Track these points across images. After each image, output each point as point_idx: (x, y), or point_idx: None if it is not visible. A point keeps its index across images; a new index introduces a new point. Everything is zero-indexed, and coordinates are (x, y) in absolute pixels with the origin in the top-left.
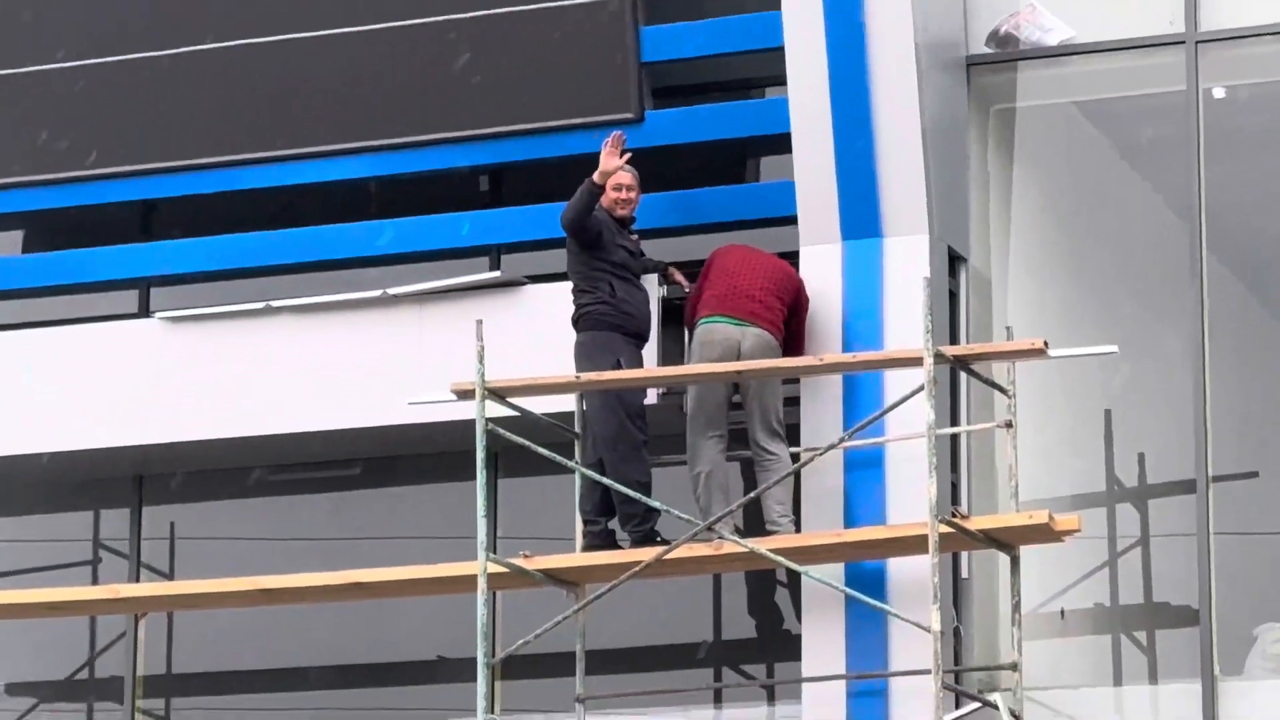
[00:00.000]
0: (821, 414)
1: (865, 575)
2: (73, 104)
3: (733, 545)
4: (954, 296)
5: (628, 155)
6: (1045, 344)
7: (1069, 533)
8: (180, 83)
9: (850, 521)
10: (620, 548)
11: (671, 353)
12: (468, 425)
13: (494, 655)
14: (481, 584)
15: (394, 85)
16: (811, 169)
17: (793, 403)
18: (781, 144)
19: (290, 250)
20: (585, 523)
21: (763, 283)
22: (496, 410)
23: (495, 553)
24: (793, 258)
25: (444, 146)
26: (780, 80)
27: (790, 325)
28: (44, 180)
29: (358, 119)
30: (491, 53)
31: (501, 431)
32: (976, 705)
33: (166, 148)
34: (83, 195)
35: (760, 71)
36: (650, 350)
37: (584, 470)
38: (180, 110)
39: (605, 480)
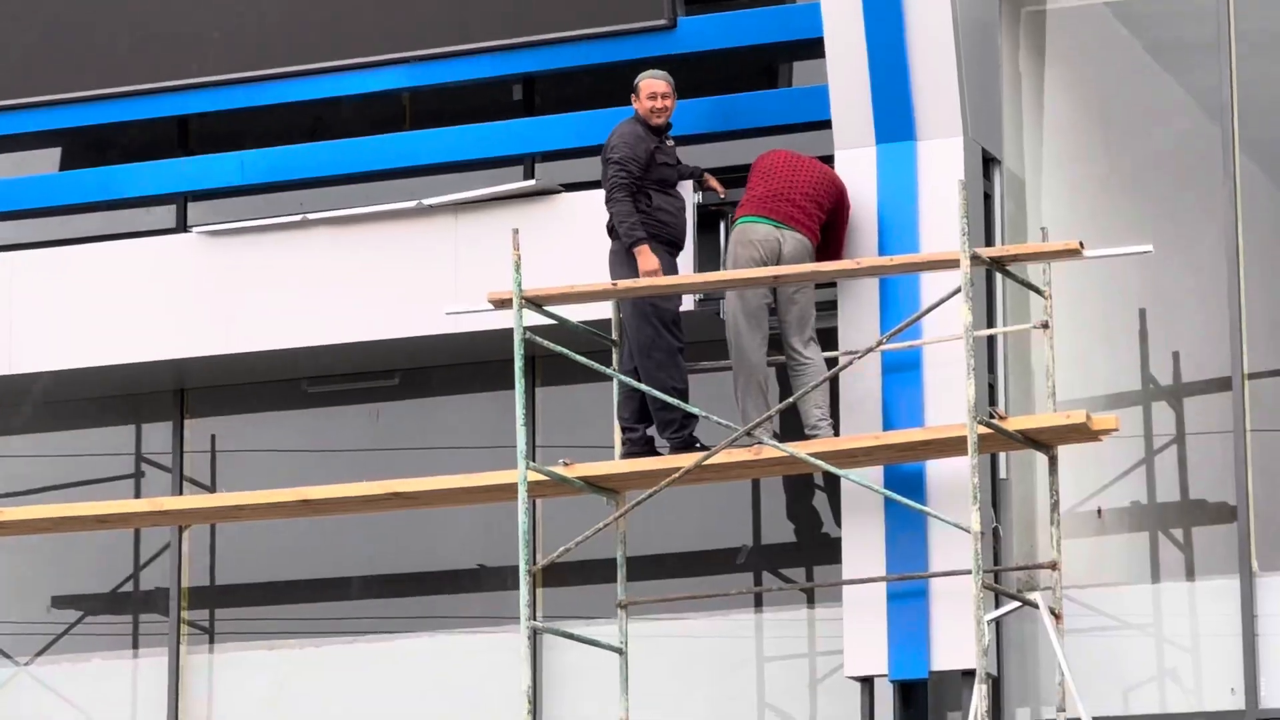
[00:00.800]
0: (859, 317)
1: (904, 477)
2: (107, 20)
3: (772, 450)
4: (988, 198)
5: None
6: (1081, 245)
7: (1106, 432)
8: None
9: (888, 424)
10: (659, 454)
11: (708, 259)
12: (505, 334)
13: (535, 562)
14: (522, 492)
15: None
16: (845, 73)
17: (830, 307)
18: (815, 48)
19: (326, 163)
20: (624, 430)
21: (805, 188)
22: (534, 319)
23: (535, 461)
24: (828, 162)
25: (476, 56)
26: None
27: (830, 230)
28: (80, 97)
29: (390, 31)
30: None
31: (539, 340)
32: (1016, 604)
33: (202, 63)
34: (119, 111)
35: None
36: (686, 257)
37: (621, 377)
38: (215, 25)
39: (642, 387)
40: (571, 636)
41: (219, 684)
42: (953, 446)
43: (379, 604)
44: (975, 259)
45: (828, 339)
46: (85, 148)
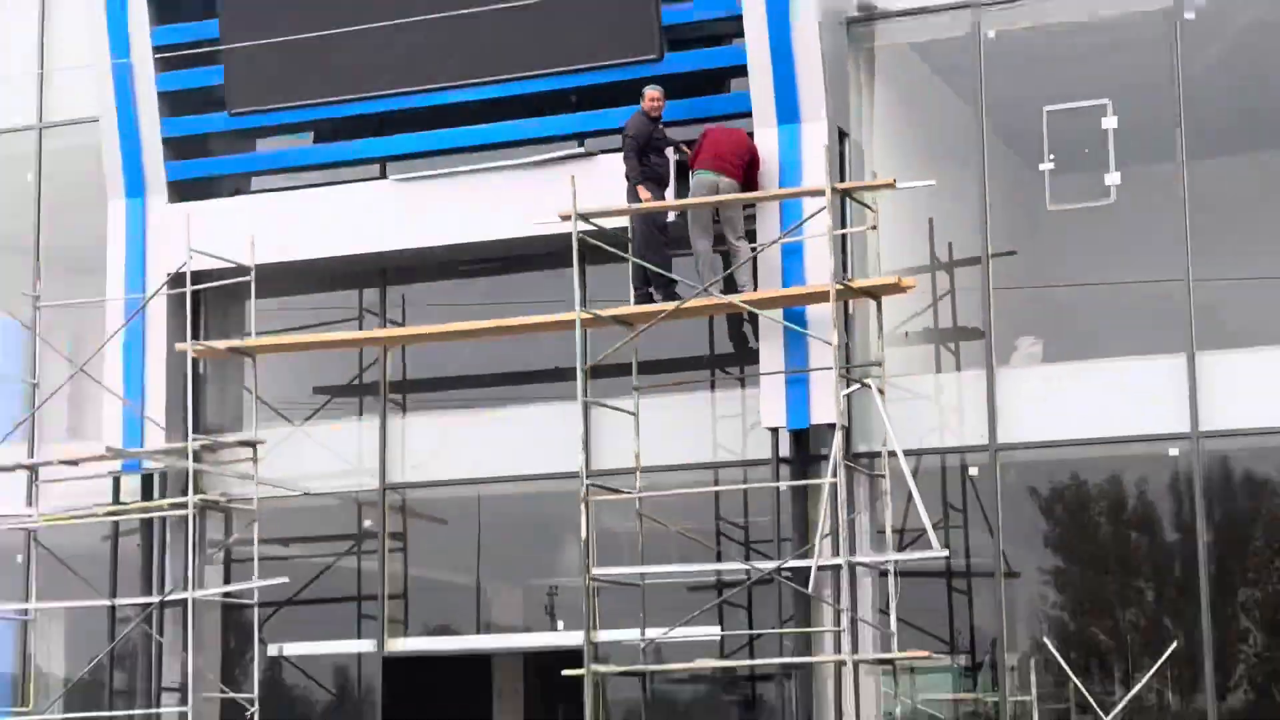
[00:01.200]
0: (768, 225)
1: (795, 314)
2: (337, 52)
3: (719, 300)
4: (843, 156)
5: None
6: (894, 181)
7: (909, 288)
8: (391, 29)
9: (786, 284)
10: (655, 301)
11: (681, 191)
12: (566, 236)
13: (586, 364)
14: (579, 324)
15: (511, 30)
16: (759, 84)
17: (751, 220)
18: (744, 70)
19: (462, 139)
20: (635, 289)
21: (731, 148)
22: (584, 226)
23: (585, 306)
24: (749, 133)
25: (546, 77)
26: (740, 34)
27: (749, 173)
28: (320, 101)
29: (494, 59)
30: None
31: (588, 239)
32: (858, 385)
33: (388, 80)
34: (346, 109)
35: (730, 30)
36: (670, 191)
37: (634, 259)
38: (392, 56)
39: (646, 264)
40: (606, 405)
41: (409, 438)
42: (822, 296)
43: (499, 390)
44: (834, 190)
45: (752, 236)
46: (327, 129)
